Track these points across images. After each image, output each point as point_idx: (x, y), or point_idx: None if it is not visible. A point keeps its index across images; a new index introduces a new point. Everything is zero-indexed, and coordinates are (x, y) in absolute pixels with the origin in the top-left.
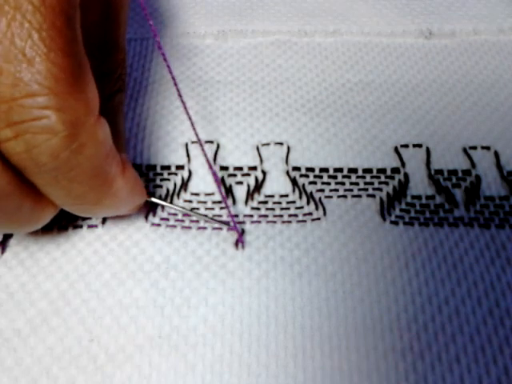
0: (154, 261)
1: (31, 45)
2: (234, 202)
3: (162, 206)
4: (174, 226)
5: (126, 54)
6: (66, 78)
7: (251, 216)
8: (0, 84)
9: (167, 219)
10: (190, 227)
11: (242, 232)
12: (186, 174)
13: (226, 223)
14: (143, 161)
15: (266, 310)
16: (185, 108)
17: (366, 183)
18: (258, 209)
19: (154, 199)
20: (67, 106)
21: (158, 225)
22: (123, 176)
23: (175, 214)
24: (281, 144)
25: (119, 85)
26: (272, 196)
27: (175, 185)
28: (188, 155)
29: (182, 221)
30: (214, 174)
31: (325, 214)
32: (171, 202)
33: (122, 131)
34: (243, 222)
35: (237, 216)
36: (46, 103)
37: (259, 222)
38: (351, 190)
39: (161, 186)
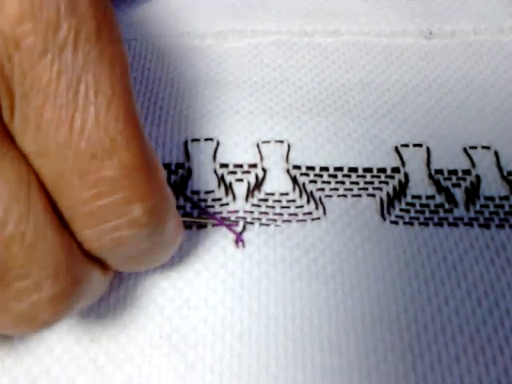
0: None
1: (111, 138)
2: (235, 198)
3: None
4: None
5: None
6: (142, 165)
7: (251, 212)
8: (81, 189)
9: None
10: (190, 226)
11: (243, 229)
12: (185, 172)
13: (229, 225)
14: None
15: (266, 311)
16: None
17: (366, 182)
18: (259, 206)
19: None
20: (147, 194)
21: None
22: (179, 225)
23: None
24: (281, 142)
25: None
26: (272, 194)
27: (175, 183)
28: (187, 153)
29: (183, 221)
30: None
31: (325, 213)
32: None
33: None
34: (244, 218)
35: (237, 212)
36: (129, 197)
37: (260, 219)
38: (351, 190)
39: None
